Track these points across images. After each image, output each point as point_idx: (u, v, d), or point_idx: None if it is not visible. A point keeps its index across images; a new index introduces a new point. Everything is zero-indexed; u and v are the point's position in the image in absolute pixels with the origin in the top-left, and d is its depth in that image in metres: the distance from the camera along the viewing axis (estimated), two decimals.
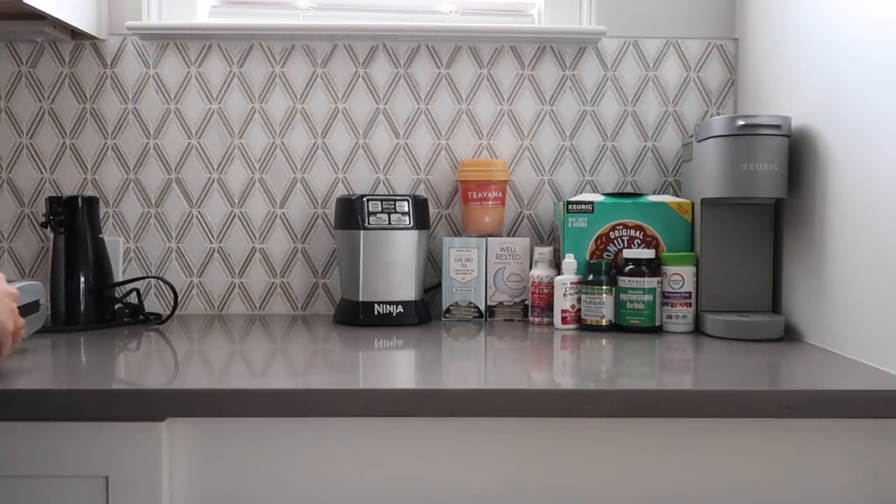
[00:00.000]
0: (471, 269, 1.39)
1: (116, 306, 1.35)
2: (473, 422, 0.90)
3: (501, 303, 1.40)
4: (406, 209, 1.36)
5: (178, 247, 1.49)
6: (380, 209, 1.34)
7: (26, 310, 1.11)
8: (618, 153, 1.50)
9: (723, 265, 1.30)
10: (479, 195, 1.42)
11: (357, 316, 1.34)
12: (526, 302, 1.40)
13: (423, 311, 1.38)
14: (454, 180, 1.49)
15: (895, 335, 0.98)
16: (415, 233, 1.36)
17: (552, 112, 1.50)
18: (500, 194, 1.44)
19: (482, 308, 1.39)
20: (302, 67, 1.49)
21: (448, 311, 1.40)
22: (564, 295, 1.31)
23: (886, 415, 0.89)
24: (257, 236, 1.50)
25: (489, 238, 1.41)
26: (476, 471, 0.91)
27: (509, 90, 1.50)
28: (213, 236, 1.49)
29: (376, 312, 1.33)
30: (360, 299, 1.34)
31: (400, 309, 1.34)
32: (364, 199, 1.35)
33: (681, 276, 1.28)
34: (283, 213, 1.49)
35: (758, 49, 1.40)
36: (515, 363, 1.05)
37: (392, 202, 1.36)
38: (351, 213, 1.35)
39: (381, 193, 1.47)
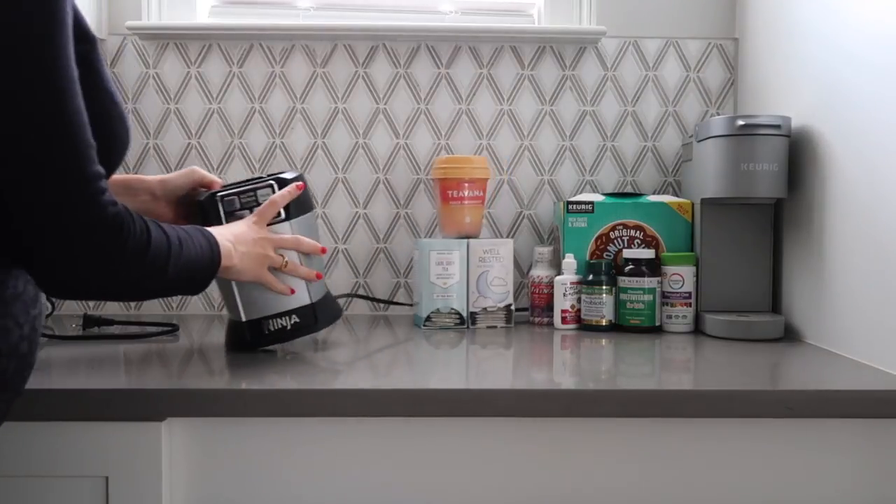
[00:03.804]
0: (452, 272, 1.32)
1: None
2: (473, 422, 0.90)
3: (485, 308, 1.33)
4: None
5: None
6: (238, 206, 1.06)
7: None
8: (618, 153, 1.50)
9: (723, 265, 1.30)
10: (458, 194, 1.35)
11: (244, 338, 1.09)
12: (511, 307, 1.34)
13: (327, 310, 1.13)
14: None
15: (895, 335, 0.98)
16: (287, 224, 1.08)
17: (552, 112, 1.50)
18: (480, 193, 1.37)
19: (464, 314, 1.32)
20: (302, 67, 1.49)
21: (429, 318, 1.32)
22: (564, 295, 1.31)
23: (886, 415, 0.89)
24: None
25: (471, 240, 1.33)
26: (476, 471, 0.91)
27: (509, 90, 1.50)
28: None
29: (266, 330, 1.08)
30: (244, 319, 1.08)
31: (295, 319, 1.09)
32: (217, 196, 1.06)
33: (681, 276, 1.28)
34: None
35: (758, 49, 1.40)
36: (515, 363, 1.05)
37: (253, 194, 1.07)
38: (205, 219, 1.05)
39: (238, 183, 1.10)
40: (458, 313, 1.32)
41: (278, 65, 1.49)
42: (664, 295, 1.29)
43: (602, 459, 0.91)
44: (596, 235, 1.35)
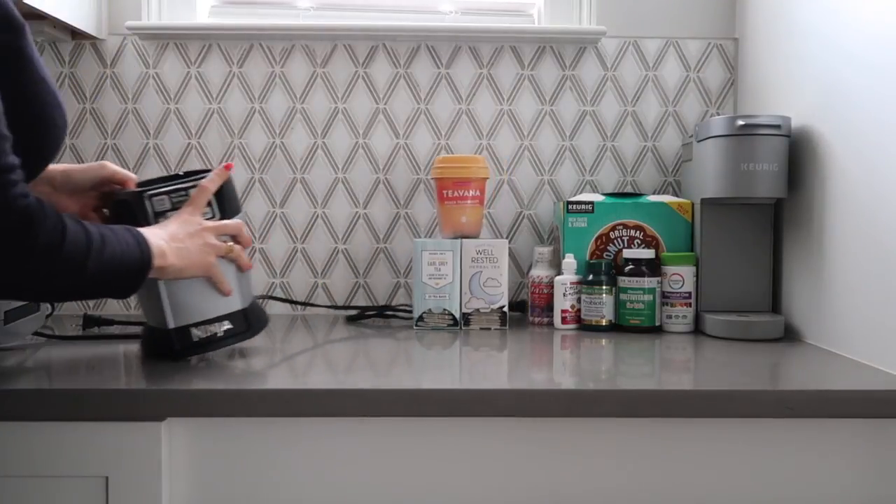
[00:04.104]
0: (445, 273, 1.30)
1: None
2: (473, 422, 0.90)
3: (478, 310, 1.31)
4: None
5: None
6: (168, 206, 1.00)
7: (24, 310, 1.11)
8: (618, 153, 1.50)
9: (723, 265, 1.30)
10: (456, 194, 1.34)
11: (171, 347, 1.02)
12: (504, 309, 1.32)
13: (258, 316, 1.09)
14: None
15: (895, 335, 0.98)
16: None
17: (552, 112, 1.50)
18: (479, 193, 1.35)
19: (457, 315, 1.31)
20: (302, 67, 1.49)
21: (421, 318, 1.31)
22: (564, 295, 1.31)
23: (886, 415, 0.89)
24: (257, 236, 1.50)
25: (464, 240, 1.31)
26: (475, 471, 0.91)
27: (509, 90, 1.50)
28: None
29: (196, 338, 1.02)
30: (172, 325, 1.01)
31: (228, 325, 1.04)
32: (145, 195, 1.00)
33: (681, 276, 1.28)
34: (282, 213, 1.49)
35: (758, 49, 1.40)
36: (515, 363, 1.05)
37: (185, 193, 1.01)
38: (132, 219, 0.98)
39: (168, 180, 1.05)
40: (451, 314, 1.31)
41: (278, 65, 1.49)
42: (664, 295, 1.29)
43: (602, 459, 0.91)
44: (596, 235, 1.35)
